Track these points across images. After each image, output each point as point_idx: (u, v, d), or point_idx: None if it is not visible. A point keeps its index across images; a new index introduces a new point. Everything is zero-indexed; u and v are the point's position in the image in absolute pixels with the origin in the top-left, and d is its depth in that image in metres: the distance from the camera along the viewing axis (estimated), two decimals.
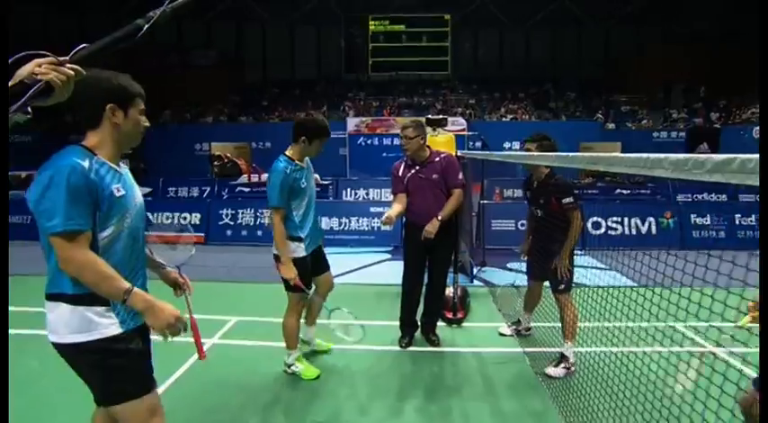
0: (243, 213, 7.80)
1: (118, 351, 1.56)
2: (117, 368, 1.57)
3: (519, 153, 2.32)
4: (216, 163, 16.35)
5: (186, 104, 21.42)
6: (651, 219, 7.09)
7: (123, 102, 1.62)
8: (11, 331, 3.09)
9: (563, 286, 3.21)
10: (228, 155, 16.82)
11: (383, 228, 3.64)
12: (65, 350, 1.56)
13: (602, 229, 7.07)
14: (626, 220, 7.10)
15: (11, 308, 4.38)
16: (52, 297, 1.55)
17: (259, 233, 7.54)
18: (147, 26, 1.18)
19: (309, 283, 3.11)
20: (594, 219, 7.15)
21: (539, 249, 3.42)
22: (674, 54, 20.36)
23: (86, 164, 1.49)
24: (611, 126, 18.67)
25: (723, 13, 21.43)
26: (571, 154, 1.33)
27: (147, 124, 1.77)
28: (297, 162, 2.98)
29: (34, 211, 1.47)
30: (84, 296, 1.52)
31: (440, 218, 3.40)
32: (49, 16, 21.19)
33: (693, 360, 2.19)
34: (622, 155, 1.09)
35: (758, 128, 15.77)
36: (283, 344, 3.25)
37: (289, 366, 3.22)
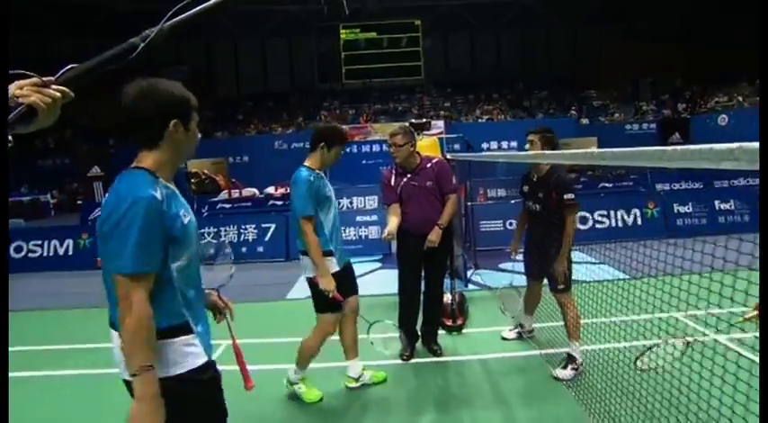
0: (226, 230, 7.57)
1: (204, 381, 1.44)
2: (202, 399, 1.46)
3: (521, 153, 2.26)
4: (193, 180, 15.99)
5: None
6: (636, 210, 7.17)
7: (186, 115, 1.44)
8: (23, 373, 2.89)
9: (562, 286, 3.15)
10: (206, 171, 16.48)
11: (391, 242, 3.49)
12: None
13: (590, 224, 7.11)
14: (612, 212, 7.17)
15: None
16: None
17: (244, 250, 7.32)
18: (142, 45, 1.09)
19: (337, 308, 2.93)
20: (581, 213, 7.18)
21: (535, 246, 3.36)
22: (637, 50, 20.97)
23: (158, 194, 1.34)
24: (585, 121, 19.05)
25: (680, 11, 22.22)
26: (603, 150, 1.25)
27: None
28: (317, 171, 2.86)
29: (102, 241, 1.35)
30: (168, 330, 1.37)
31: (441, 224, 3.31)
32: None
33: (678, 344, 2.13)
34: (667, 148, 1.04)
35: (723, 115, 16.31)
36: (282, 365, 3.10)
37: (292, 383, 3.04)
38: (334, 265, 2.86)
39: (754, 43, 19.19)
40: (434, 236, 3.29)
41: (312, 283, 2.85)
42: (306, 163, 2.88)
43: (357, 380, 3.15)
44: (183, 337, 1.40)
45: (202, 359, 1.43)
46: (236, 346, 1.67)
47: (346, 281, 2.95)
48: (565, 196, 3.07)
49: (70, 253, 7.50)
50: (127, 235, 1.28)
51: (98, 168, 15.68)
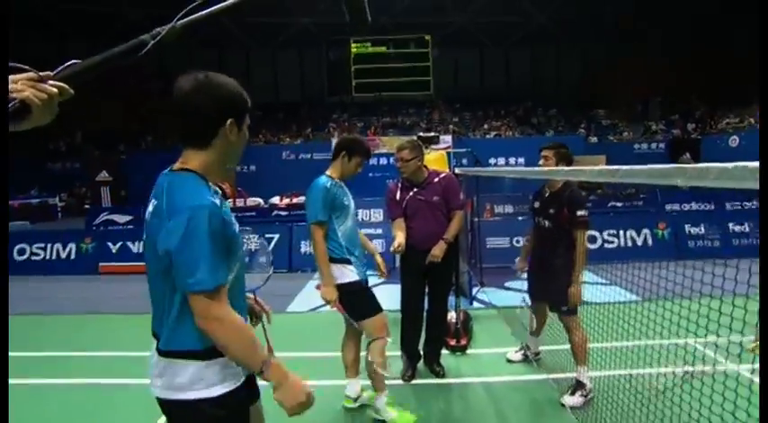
0: None
1: (242, 400, 1.37)
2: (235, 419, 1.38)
3: (532, 169, 2.18)
4: None
5: (168, 129, 21.20)
6: (646, 230, 7.02)
7: (241, 115, 1.31)
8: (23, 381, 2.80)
9: (565, 308, 3.03)
10: None
11: (397, 256, 3.38)
12: (186, 407, 1.30)
13: (599, 243, 6.97)
14: (621, 232, 7.03)
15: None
16: (179, 355, 1.29)
17: (246, 259, 7.23)
18: (152, 42, 1.03)
19: (377, 309, 2.79)
20: (590, 232, 7.06)
21: (540, 266, 3.25)
22: (647, 69, 20.96)
23: (216, 200, 1.25)
24: (593, 140, 18.97)
25: (692, 32, 22.24)
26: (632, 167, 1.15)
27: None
28: (337, 180, 2.82)
29: (157, 253, 1.23)
30: (214, 348, 1.28)
31: (447, 238, 3.22)
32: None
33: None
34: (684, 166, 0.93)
35: (734, 137, 16.18)
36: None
37: (377, 411, 2.85)
38: (353, 274, 2.74)
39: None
40: (438, 250, 3.19)
41: (342, 291, 2.70)
42: (327, 172, 2.85)
43: (355, 400, 3.04)
44: (223, 358, 1.30)
45: (241, 377, 1.34)
46: (270, 350, 1.57)
47: (366, 296, 2.80)
48: (578, 213, 2.98)
49: (72, 257, 7.48)
50: (198, 249, 1.17)
51: (106, 173, 15.79)
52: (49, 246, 7.53)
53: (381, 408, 2.84)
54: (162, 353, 1.30)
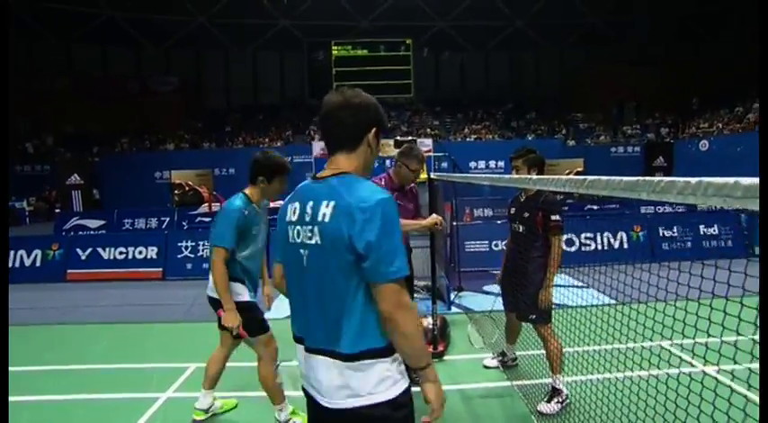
0: (204, 245, 7.32)
1: (410, 399, 1.37)
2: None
3: (505, 176, 2.15)
4: (177, 191, 15.73)
5: (146, 131, 20.72)
6: (622, 233, 7.12)
7: (381, 126, 1.48)
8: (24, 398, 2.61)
9: (534, 316, 3.01)
10: (190, 183, 16.22)
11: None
12: (375, 412, 1.27)
13: (576, 246, 7.04)
14: (598, 235, 7.11)
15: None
16: (368, 355, 1.27)
17: (207, 267, 7.07)
18: None
19: (267, 326, 2.77)
20: (568, 236, 7.12)
21: (511, 271, 3.21)
22: (623, 75, 21.48)
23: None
24: (571, 143, 19.28)
25: (665, 39, 22.90)
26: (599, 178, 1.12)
27: None
28: (255, 205, 2.68)
29: (371, 250, 1.22)
30: (387, 348, 1.30)
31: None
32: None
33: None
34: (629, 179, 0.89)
35: (704, 141, 16.65)
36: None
37: None
38: (246, 293, 2.70)
39: (733, 73, 19.77)
40: (430, 221, 3.12)
41: (239, 308, 2.64)
42: (246, 190, 2.70)
43: (206, 411, 2.98)
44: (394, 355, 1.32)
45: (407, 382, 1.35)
46: None
47: (255, 315, 2.75)
48: (552, 217, 2.96)
49: (38, 264, 7.17)
50: (395, 239, 1.24)
51: (77, 176, 15.29)
52: (12, 252, 7.21)
53: (286, 419, 2.79)
54: (348, 357, 1.27)
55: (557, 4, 22.51)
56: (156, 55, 23.96)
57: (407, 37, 24.45)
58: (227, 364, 3.00)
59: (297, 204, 1.37)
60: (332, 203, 1.27)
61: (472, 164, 16.37)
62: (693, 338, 1.85)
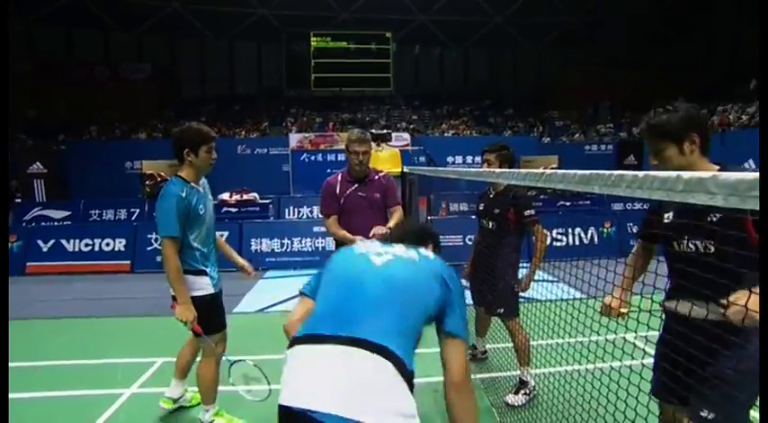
0: None
1: None
2: None
3: (475, 170, 2.15)
4: (148, 182, 15.28)
5: (116, 120, 20.02)
6: (593, 229, 7.30)
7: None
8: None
9: (502, 310, 3.05)
10: (162, 173, 15.79)
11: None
12: None
13: (548, 241, 7.16)
14: (569, 230, 7.26)
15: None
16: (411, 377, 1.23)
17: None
18: None
19: (224, 322, 2.71)
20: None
21: (480, 267, 3.24)
22: (597, 74, 21.95)
23: None
24: (546, 140, 19.62)
25: (635, 41, 23.50)
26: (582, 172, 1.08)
27: None
28: (192, 184, 2.54)
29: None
30: None
31: (390, 226, 3.13)
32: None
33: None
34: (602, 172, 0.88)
35: None
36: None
37: None
38: (209, 287, 2.59)
39: (699, 76, 20.44)
40: (381, 229, 3.00)
41: (194, 304, 2.50)
42: (180, 173, 2.55)
43: (175, 401, 2.94)
44: None
45: None
46: None
47: (215, 309, 2.66)
48: (525, 213, 3.00)
49: None
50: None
51: (40, 164, 14.63)
52: None
53: (210, 420, 2.71)
54: (401, 365, 1.18)
55: (535, 3, 22.75)
56: (127, 40, 23.15)
57: (387, 30, 24.31)
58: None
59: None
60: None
61: (450, 159, 16.46)
62: (658, 330, 1.90)
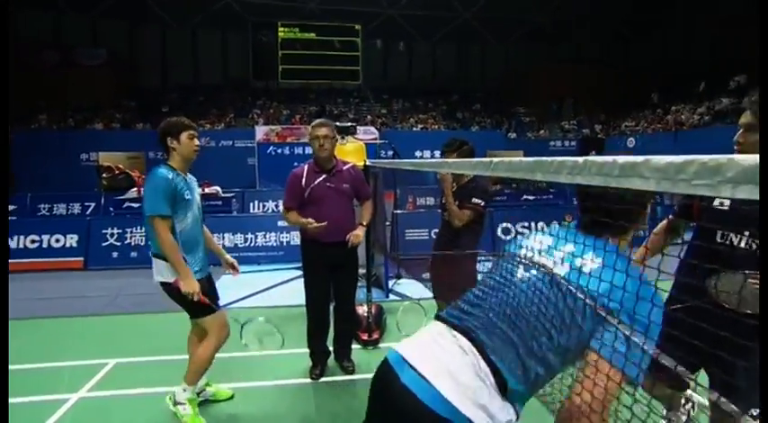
0: (132, 232, 6.86)
1: None
2: None
3: (438, 160, 2.18)
4: (105, 175, 14.61)
5: (69, 108, 18.97)
6: (555, 222, 7.47)
7: None
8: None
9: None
10: (120, 166, 15.14)
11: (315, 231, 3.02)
12: None
13: (512, 234, 7.31)
14: (533, 224, 7.43)
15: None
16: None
17: (151, 255, 6.66)
18: None
19: (215, 302, 2.73)
20: (504, 224, 7.38)
21: (439, 260, 3.26)
22: (562, 72, 22.53)
23: None
24: (512, 136, 20.02)
25: (600, 39, 24.23)
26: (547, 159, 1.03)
27: None
28: (179, 172, 2.64)
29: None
30: None
31: (364, 224, 3.13)
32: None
33: None
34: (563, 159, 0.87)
35: (631, 138, 17.90)
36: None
37: (175, 403, 2.70)
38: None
39: (658, 75, 21.32)
40: (360, 231, 3.10)
41: (171, 289, 2.56)
42: (168, 163, 2.67)
43: (199, 395, 2.92)
44: None
45: None
46: None
47: (211, 291, 2.75)
48: (473, 200, 3.05)
49: None
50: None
51: None
52: None
53: (183, 401, 2.71)
54: (504, 388, 1.11)
55: (503, 0, 23.06)
56: (80, 23, 21.93)
57: (356, 23, 24.08)
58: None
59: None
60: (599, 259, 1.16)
61: (418, 153, 16.54)
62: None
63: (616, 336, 1.03)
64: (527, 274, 1.22)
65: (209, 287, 2.73)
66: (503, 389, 1.10)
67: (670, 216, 2.05)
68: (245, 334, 2.85)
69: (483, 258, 3.23)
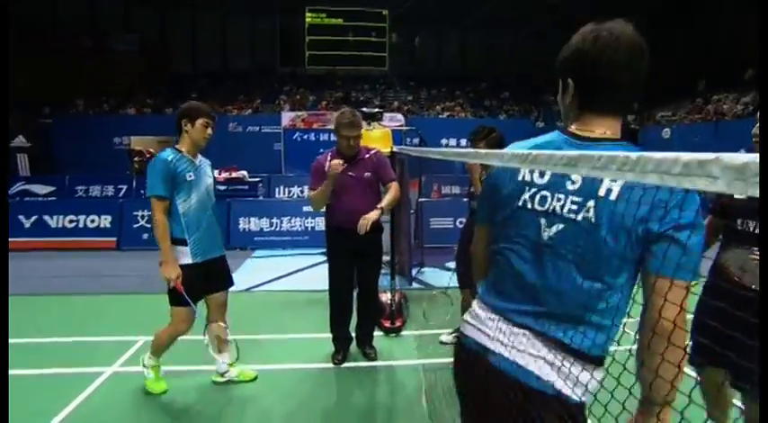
0: None
1: None
2: None
3: (460, 150, 2.11)
4: (136, 158, 15.02)
5: (103, 93, 19.52)
6: None
7: None
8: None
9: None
10: (151, 150, 15.51)
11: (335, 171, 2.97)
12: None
13: None
14: None
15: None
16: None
17: None
18: None
19: (197, 299, 2.75)
20: None
21: (466, 250, 3.19)
22: None
23: None
24: (540, 125, 19.52)
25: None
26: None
27: None
28: (186, 154, 2.72)
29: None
30: None
31: (381, 207, 3.04)
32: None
33: None
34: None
35: (666, 129, 17.18)
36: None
37: (144, 365, 2.94)
38: (185, 257, 2.68)
39: (701, 63, 20.31)
40: (373, 214, 2.96)
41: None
42: (176, 145, 2.76)
43: (223, 375, 3.05)
44: None
45: None
46: None
47: (207, 276, 2.77)
48: None
49: None
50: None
51: (23, 138, 14.26)
52: None
53: (148, 365, 2.92)
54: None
55: None
56: (115, 12, 22.42)
57: (383, 8, 23.76)
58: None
59: None
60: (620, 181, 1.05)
61: (444, 141, 16.33)
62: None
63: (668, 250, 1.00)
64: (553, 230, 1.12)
65: (205, 273, 2.74)
66: (577, 354, 1.08)
67: (710, 216, 2.07)
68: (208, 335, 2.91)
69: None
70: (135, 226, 6.99)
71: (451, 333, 3.67)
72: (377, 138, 4.93)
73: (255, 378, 3.09)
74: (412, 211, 5.74)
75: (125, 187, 10.86)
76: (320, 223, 6.99)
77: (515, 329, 1.15)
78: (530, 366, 1.10)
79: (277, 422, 2.67)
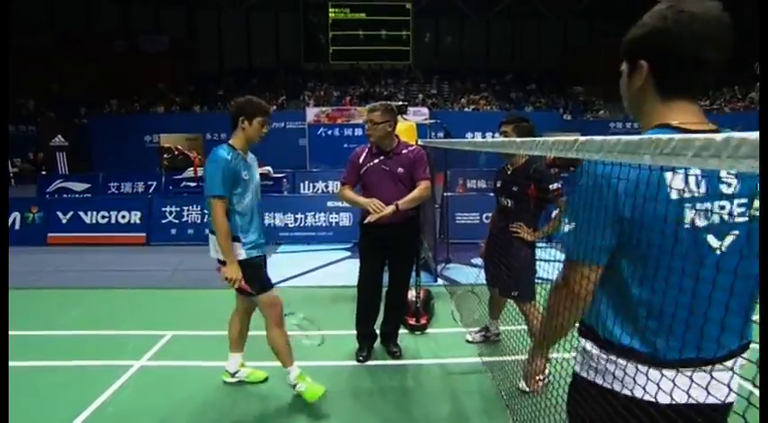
0: (188, 210, 7.15)
1: None
2: None
3: (495, 140, 2.01)
4: (166, 155, 15.37)
5: (135, 93, 20.08)
6: None
7: None
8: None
9: (516, 293, 2.90)
10: (180, 147, 15.84)
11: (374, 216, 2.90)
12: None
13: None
14: None
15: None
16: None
17: (207, 232, 6.92)
18: None
19: (267, 287, 2.74)
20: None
21: (496, 248, 3.08)
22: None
23: None
24: (567, 117, 18.96)
25: None
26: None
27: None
28: (239, 152, 2.66)
29: None
30: None
31: (399, 204, 2.92)
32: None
33: None
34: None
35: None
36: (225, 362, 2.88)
37: (294, 386, 2.78)
38: (241, 253, 2.63)
39: (748, 47, 19.24)
40: (386, 209, 2.87)
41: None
42: (230, 141, 2.68)
43: (233, 375, 2.99)
44: None
45: None
46: None
47: (253, 274, 2.69)
48: (552, 186, 2.82)
49: (17, 228, 6.98)
50: None
51: (61, 138, 14.81)
52: None
53: (294, 382, 2.78)
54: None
55: None
56: (145, 13, 23.00)
57: (407, 1, 23.52)
58: (261, 334, 2.90)
59: (686, 171, 0.95)
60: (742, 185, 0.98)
61: (469, 134, 16.06)
62: None
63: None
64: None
65: (253, 269, 2.70)
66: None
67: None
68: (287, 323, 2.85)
69: (541, 245, 3.03)
70: (163, 221, 7.12)
71: (478, 332, 3.56)
72: (402, 131, 4.83)
73: (266, 379, 3.02)
74: (437, 206, 5.63)
75: (154, 184, 11.12)
76: (345, 219, 6.95)
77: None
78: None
79: (301, 419, 2.64)
